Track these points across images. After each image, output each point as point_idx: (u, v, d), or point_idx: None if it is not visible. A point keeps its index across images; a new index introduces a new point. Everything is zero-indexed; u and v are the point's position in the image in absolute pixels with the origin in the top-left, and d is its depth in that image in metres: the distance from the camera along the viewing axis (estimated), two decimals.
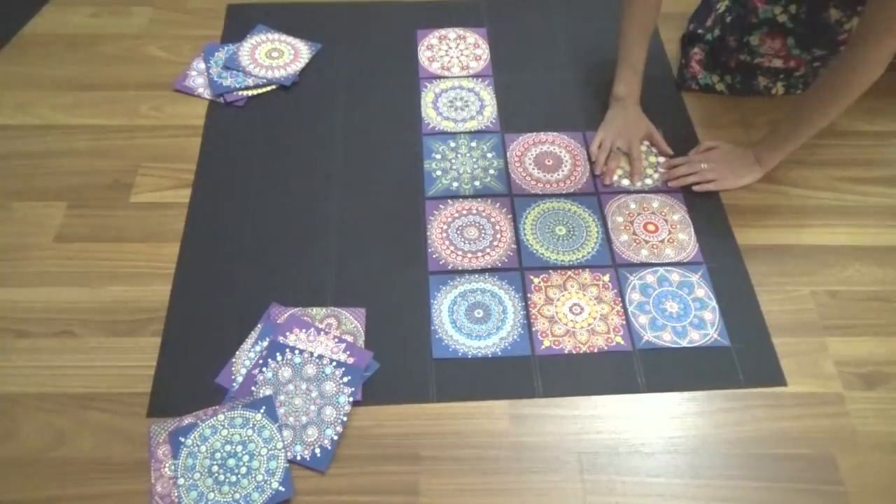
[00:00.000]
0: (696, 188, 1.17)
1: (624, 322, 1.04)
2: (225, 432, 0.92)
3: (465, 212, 1.16)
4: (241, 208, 1.16)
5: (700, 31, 1.33)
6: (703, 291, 1.08)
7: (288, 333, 1.01)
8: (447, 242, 1.12)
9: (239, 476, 0.88)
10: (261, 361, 0.98)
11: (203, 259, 1.09)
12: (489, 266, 1.10)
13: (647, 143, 1.26)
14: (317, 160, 1.22)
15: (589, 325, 1.04)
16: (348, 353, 0.99)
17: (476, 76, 1.37)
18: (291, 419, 0.93)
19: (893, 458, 0.93)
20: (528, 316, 1.04)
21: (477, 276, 1.09)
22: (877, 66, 0.97)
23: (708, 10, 1.35)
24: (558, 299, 1.06)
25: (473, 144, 1.25)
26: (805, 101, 1.07)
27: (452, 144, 1.25)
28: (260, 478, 0.88)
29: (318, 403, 0.95)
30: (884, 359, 1.02)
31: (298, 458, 0.90)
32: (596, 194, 1.19)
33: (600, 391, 0.98)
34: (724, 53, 1.25)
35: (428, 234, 1.13)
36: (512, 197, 1.18)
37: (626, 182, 1.21)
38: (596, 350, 1.01)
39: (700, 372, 1.00)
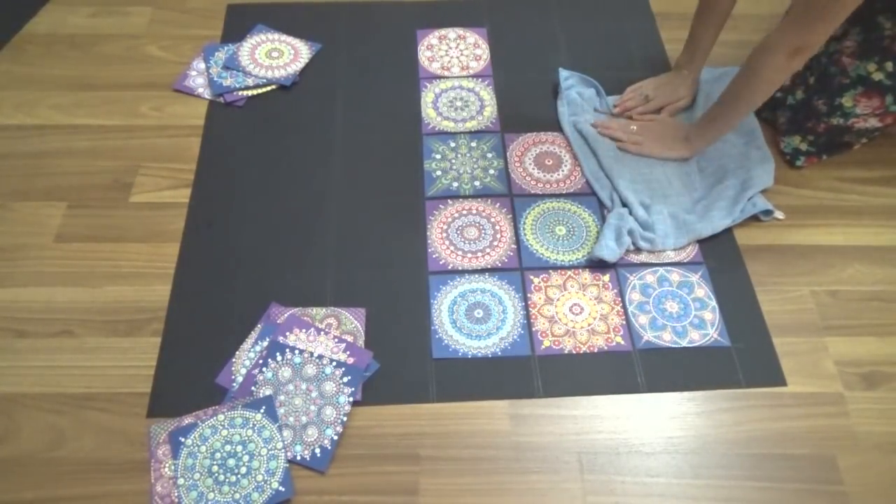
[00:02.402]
0: (618, 146, 1.21)
1: (624, 322, 1.04)
2: (225, 432, 0.92)
3: (465, 212, 1.16)
4: (241, 208, 1.16)
5: (778, 94, 1.21)
6: (703, 291, 1.07)
7: (288, 333, 1.01)
8: (447, 242, 1.12)
9: (239, 476, 0.88)
10: (261, 361, 0.98)
11: (203, 259, 1.09)
12: (489, 266, 1.10)
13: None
14: (317, 160, 1.22)
15: (589, 325, 1.04)
16: (348, 353, 0.99)
17: (476, 76, 1.36)
18: (291, 419, 0.93)
19: (893, 458, 0.93)
20: (528, 316, 1.04)
21: (477, 276, 1.09)
22: (770, 83, 1.01)
23: None
24: (558, 299, 1.06)
25: (473, 144, 1.25)
26: (722, 96, 1.09)
27: (452, 144, 1.25)
28: (260, 478, 0.88)
29: (318, 403, 0.95)
30: (884, 359, 1.02)
31: (298, 458, 0.90)
32: (595, 194, 1.19)
33: (600, 391, 0.98)
34: (811, 118, 1.16)
35: (428, 234, 1.13)
36: (512, 197, 1.18)
37: None
38: (596, 350, 1.01)
39: (700, 372, 1.00)
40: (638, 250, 1.11)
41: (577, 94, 1.29)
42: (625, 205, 1.14)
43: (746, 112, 1.10)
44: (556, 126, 1.28)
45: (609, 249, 1.06)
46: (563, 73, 1.32)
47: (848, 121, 1.12)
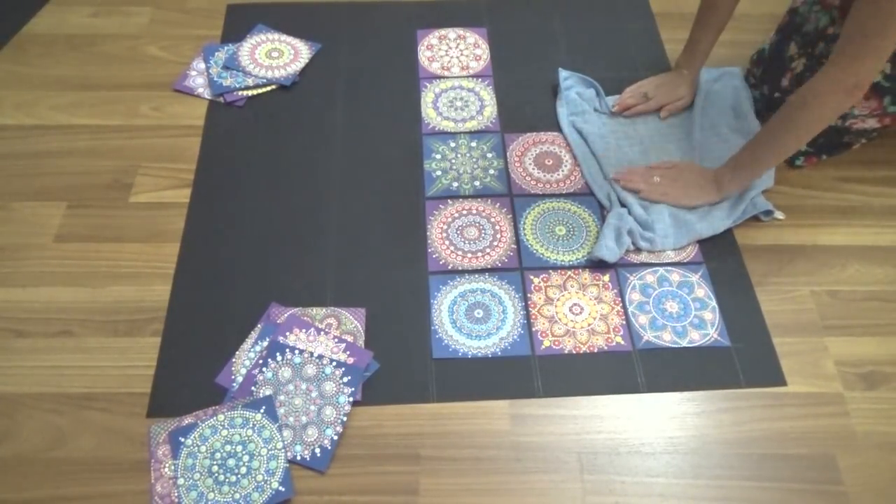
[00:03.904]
0: (641, 196, 1.14)
1: (624, 322, 1.04)
2: (225, 432, 0.92)
3: (465, 212, 1.16)
4: (241, 208, 1.16)
5: (777, 94, 1.20)
6: (703, 291, 1.07)
7: (288, 333, 1.01)
8: (447, 242, 1.12)
9: (239, 476, 0.88)
10: (261, 361, 0.98)
11: (203, 259, 1.09)
12: (489, 266, 1.10)
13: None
14: (317, 160, 1.22)
15: (589, 325, 1.04)
16: (348, 353, 0.99)
17: (476, 76, 1.36)
18: (291, 419, 0.93)
19: (893, 458, 0.93)
20: (528, 316, 1.04)
21: (477, 275, 1.09)
22: (826, 122, 0.97)
23: (780, 69, 1.20)
24: (558, 299, 1.06)
25: (473, 144, 1.25)
26: (763, 134, 1.04)
27: (452, 144, 1.25)
28: (260, 478, 0.88)
29: (318, 403, 0.95)
30: (884, 359, 1.02)
31: (298, 458, 0.90)
32: (594, 194, 1.19)
33: (600, 391, 0.98)
34: None
35: (428, 234, 1.13)
36: (512, 197, 1.18)
37: None
38: (596, 350, 1.01)
39: (700, 372, 1.00)
40: (638, 250, 1.11)
41: (576, 95, 1.29)
42: (623, 205, 1.14)
43: (791, 150, 1.04)
44: (556, 126, 1.28)
45: (608, 250, 1.06)
46: (563, 74, 1.32)
47: (846, 122, 1.12)
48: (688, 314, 1.05)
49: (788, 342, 1.03)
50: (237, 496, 0.87)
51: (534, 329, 1.03)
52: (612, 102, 1.29)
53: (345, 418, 0.93)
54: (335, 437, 0.92)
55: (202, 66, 1.35)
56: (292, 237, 1.12)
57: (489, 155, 1.24)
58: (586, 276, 1.09)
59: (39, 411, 0.94)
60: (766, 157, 1.05)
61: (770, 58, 1.24)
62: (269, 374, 0.97)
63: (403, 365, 0.99)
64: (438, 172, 1.21)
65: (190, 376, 0.97)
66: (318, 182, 1.19)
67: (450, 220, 1.15)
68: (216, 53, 1.37)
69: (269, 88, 1.32)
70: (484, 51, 1.41)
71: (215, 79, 1.32)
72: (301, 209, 1.16)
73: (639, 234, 1.09)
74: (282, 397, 0.95)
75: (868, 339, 1.04)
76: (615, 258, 1.07)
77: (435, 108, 1.31)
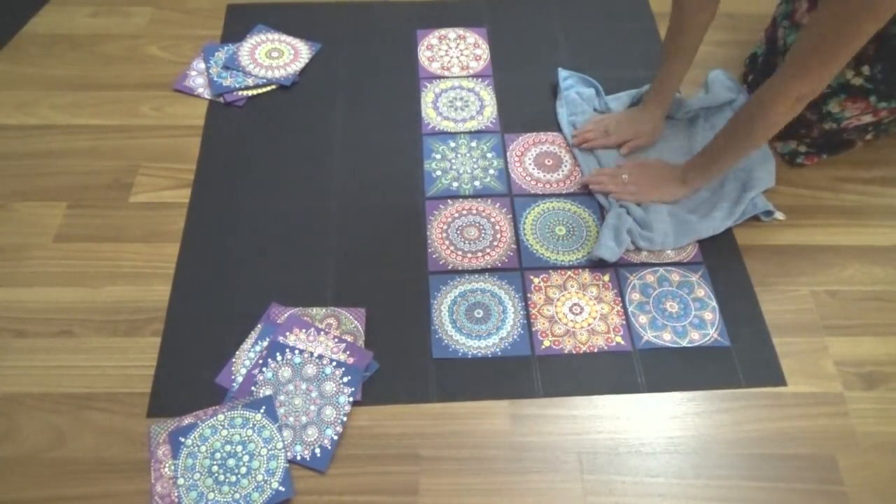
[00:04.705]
0: (612, 197, 1.15)
1: (624, 322, 1.04)
2: (225, 432, 0.92)
3: (465, 212, 1.16)
4: (241, 208, 1.16)
5: None
6: (703, 291, 1.07)
7: (288, 333, 1.01)
8: (447, 242, 1.12)
9: (239, 476, 0.88)
10: (261, 361, 0.98)
11: (203, 259, 1.09)
12: (489, 266, 1.10)
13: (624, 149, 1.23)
14: (317, 160, 1.22)
15: (589, 325, 1.04)
16: (348, 353, 0.99)
17: (476, 76, 1.36)
18: (291, 419, 0.93)
19: (893, 458, 0.93)
20: (528, 316, 1.04)
21: (477, 276, 1.09)
22: (773, 127, 0.97)
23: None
24: (558, 299, 1.06)
25: (473, 144, 1.25)
26: (721, 134, 1.05)
27: (452, 144, 1.25)
28: (260, 478, 0.88)
29: (318, 403, 0.95)
30: (884, 359, 1.02)
31: (298, 458, 0.90)
32: (594, 194, 1.19)
33: (600, 391, 0.98)
34: (801, 127, 1.17)
35: (428, 234, 1.13)
36: (512, 197, 1.18)
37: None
38: (596, 350, 1.01)
39: (700, 372, 1.00)
40: (638, 250, 1.11)
41: (576, 94, 1.29)
42: (622, 205, 1.14)
43: (746, 152, 1.06)
44: (556, 126, 1.28)
45: (608, 249, 1.06)
46: (563, 73, 1.31)
47: (841, 124, 1.12)
48: (688, 314, 1.05)
49: (788, 342, 1.03)
50: (237, 496, 0.87)
51: (534, 329, 1.03)
52: (611, 101, 1.29)
53: (345, 418, 0.93)
54: (335, 437, 0.92)
55: (202, 66, 1.35)
56: (292, 237, 1.12)
57: (489, 155, 1.24)
58: (586, 276, 1.09)
59: (39, 411, 0.94)
60: (726, 158, 1.07)
61: (762, 66, 1.24)
62: (269, 374, 0.97)
63: (403, 365, 0.99)
64: (438, 172, 1.21)
65: (190, 376, 0.97)
66: (318, 182, 1.19)
67: (450, 220, 1.15)
68: (216, 53, 1.37)
69: (269, 88, 1.32)
70: (484, 51, 1.41)
71: (215, 79, 1.32)
72: (301, 209, 1.16)
73: (638, 234, 1.09)
74: (282, 397, 0.95)
75: (868, 339, 1.04)
76: (615, 257, 1.07)
77: (435, 108, 1.31)
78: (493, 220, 1.15)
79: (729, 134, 1.04)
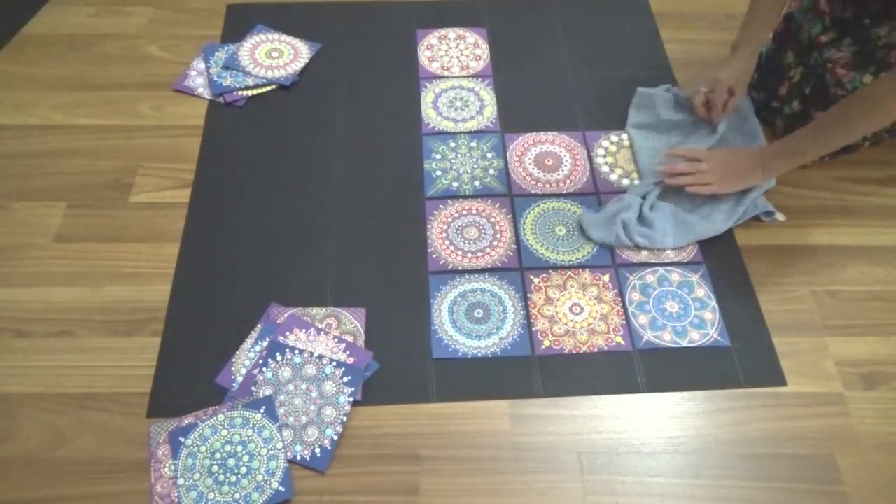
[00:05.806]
0: (689, 189, 1.12)
1: (624, 322, 1.04)
2: (225, 432, 0.92)
3: (465, 212, 1.16)
4: (241, 208, 1.16)
5: (774, 103, 1.21)
6: (703, 291, 1.07)
7: (288, 333, 1.01)
8: (447, 242, 1.12)
9: (239, 476, 0.88)
10: (261, 361, 0.98)
11: (203, 259, 1.09)
12: (489, 266, 1.10)
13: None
14: (317, 160, 1.22)
15: (589, 324, 1.04)
16: (348, 353, 0.99)
17: (476, 76, 1.36)
18: (291, 419, 0.93)
19: (893, 458, 0.93)
20: (528, 316, 1.04)
21: (477, 275, 1.09)
22: (877, 124, 0.97)
23: (777, 78, 1.21)
24: (558, 299, 1.06)
25: (473, 144, 1.25)
26: (818, 126, 1.03)
27: (452, 144, 1.25)
28: (260, 478, 0.88)
29: (318, 403, 0.95)
30: (884, 359, 1.02)
31: (298, 458, 0.90)
32: (596, 194, 1.19)
33: (600, 391, 0.98)
34: None
35: (428, 234, 1.13)
36: (512, 197, 1.18)
37: (625, 182, 1.21)
38: (596, 350, 1.01)
39: (700, 372, 1.00)
40: (638, 250, 1.11)
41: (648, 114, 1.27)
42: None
43: (842, 145, 1.04)
44: (555, 126, 1.28)
45: (596, 225, 1.10)
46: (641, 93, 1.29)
47: None
48: (688, 314, 1.05)
49: (788, 342, 1.03)
50: (237, 496, 0.87)
51: (534, 329, 1.03)
52: (685, 95, 1.25)
53: (345, 418, 0.93)
54: (335, 437, 0.92)
55: (202, 66, 1.35)
56: (292, 237, 1.12)
57: (489, 155, 1.24)
58: (586, 275, 1.09)
59: (39, 411, 0.94)
60: (817, 150, 1.05)
61: (767, 65, 1.24)
62: (269, 374, 0.97)
63: (403, 365, 0.99)
64: (438, 172, 1.21)
65: (190, 376, 0.97)
66: (318, 182, 1.19)
67: (450, 220, 1.15)
68: (216, 53, 1.37)
69: (269, 88, 1.32)
70: (484, 51, 1.41)
71: (215, 79, 1.32)
72: (301, 209, 1.16)
73: (634, 229, 1.09)
74: (282, 397, 0.95)
75: (868, 339, 1.04)
76: (601, 239, 1.10)
77: (435, 108, 1.31)
78: (493, 219, 1.15)
79: (828, 126, 1.01)
